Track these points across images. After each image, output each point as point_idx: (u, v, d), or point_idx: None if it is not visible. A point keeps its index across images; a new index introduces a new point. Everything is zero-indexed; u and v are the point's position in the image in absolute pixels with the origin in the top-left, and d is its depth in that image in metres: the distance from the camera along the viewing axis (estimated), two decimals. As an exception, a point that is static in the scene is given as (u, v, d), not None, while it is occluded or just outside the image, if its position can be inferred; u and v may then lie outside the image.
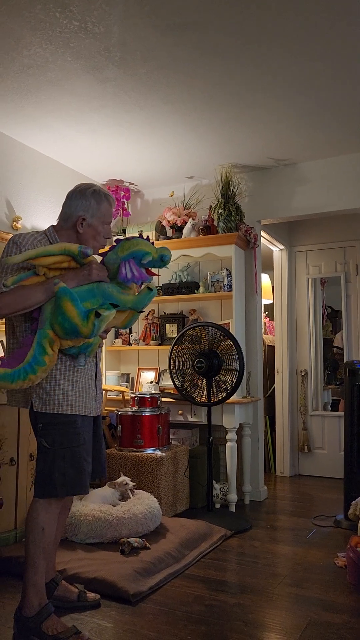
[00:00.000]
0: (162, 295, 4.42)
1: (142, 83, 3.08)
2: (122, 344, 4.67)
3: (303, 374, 5.26)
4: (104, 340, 2.26)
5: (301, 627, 2.14)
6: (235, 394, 3.69)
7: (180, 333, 3.81)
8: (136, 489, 3.34)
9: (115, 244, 2.04)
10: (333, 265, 5.26)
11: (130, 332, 4.70)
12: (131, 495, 3.23)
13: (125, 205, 4.70)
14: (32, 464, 3.06)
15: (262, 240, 4.82)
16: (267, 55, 2.81)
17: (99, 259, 2.14)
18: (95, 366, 2.19)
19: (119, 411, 3.82)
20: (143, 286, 2.08)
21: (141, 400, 3.80)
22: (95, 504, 3.05)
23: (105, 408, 4.27)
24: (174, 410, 4.07)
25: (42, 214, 4.00)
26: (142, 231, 4.47)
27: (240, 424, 3.97)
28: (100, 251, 2.19)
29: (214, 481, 3.77)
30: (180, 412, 4.07)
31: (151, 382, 4.29)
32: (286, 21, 2.54)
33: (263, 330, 5.10)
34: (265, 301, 5.41)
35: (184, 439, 4.13)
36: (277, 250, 5.37)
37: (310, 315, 5.31)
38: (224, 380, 3.63)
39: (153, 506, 3.13)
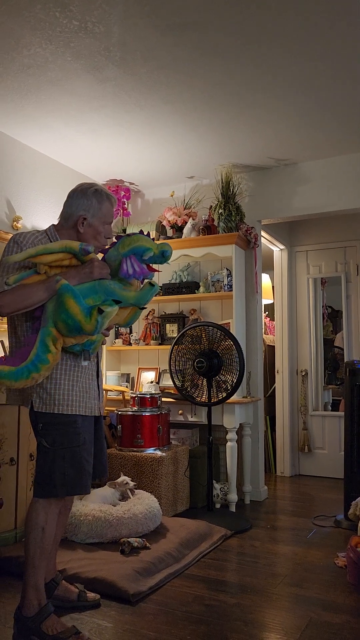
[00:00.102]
0: (162, 295, 4.42)
1: (142, 83, 3.08)
2: (123, 343, 4.67)
3: (303, 373, 5.26)
4: (105, 339, 2.26)
5: (301, 627, 2.13)
6: (235, 394, 3.69)
7: (181, 333, 3.81)
8: (136, 488, 3.34)
9: (115, 240, 2.04)
10: (333, 265, 5.26)
11: (131, 332, 4.70)
12: (131, 495, 3.23)
13: (126, 205, 4.70)
14: (32, 464, 3.06)
15: (263, 240, 4.82)
16: (267, 55, 2.81)
17: (99, 258, 2.13)
18: (96, 366, 2.19)
19: (119, 411, 3.82)
20: (145, 282, 2.08)
21: (141, 400, 3.80)
22: (95, 504, 3.05)
23: (106, 408, 4.27)
24: (174, 410, 4.07)
25: (42, 213, 4.00)
26: (142, 229, 4.47)
27: (240, 423, 3.97)
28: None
29: (214, 481, 3.77)
30: (180, 412, 4.07)
31: (151, 382, 4.29)
32: (286, 21, 2.54)
33: (263, 330, 5.10)
34: (266, 301, 5.40)
35: (184, 438, 4.13)
36: (278, 250, 5.37)
37: (310, 315, 5.31)
38: (224, 380, 3.63)
39: (153, 506, 3.13)
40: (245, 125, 3.63)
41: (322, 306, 5.46)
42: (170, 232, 4.46)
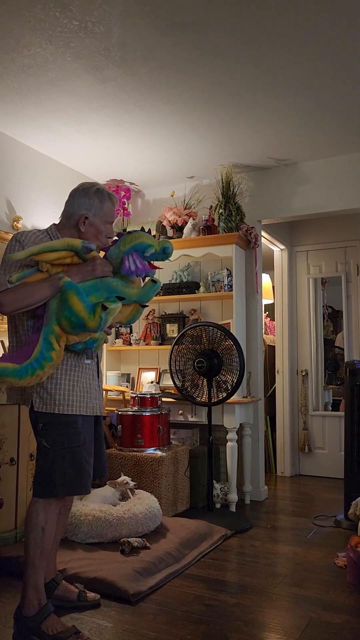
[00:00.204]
0: (162, 295, 4.42)
1: (142, 83, 3.08)
2: (123, 343, 4.67)
3: (304, 373, 5.26)
4: (107, 337, 2.26)
5: (301, 627, 2.13)
6: (235, 394, 3.69)
7: (181, 333, 3.81)
8: (136, 488, 3.34)
9: (117, 238, 2.04)
10: (334, 265, 5.26)
11: (131, 332, 4.70)
12: (131, 495, 3.23)
13: (126, 205, 4.70)
14: (33, 464, 3.06)
15: (263, 240, 4.82)
16: (267, 55, 2.81)
17: (101, 256, 2.14)
18: (97, 366, 2.19)
19: (120, 411, 3.82)
20: (147, 279, 2.08)
21: (142, 400, 3.80)
22: (95, 504, 3.05)
23: (106, 408, 4.27)
24: (174, 410, 4.07)
25: (42, 214, 4.00)
26: (143, 227, 4.47)
27: (240, 423, 3.97)
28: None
29: (214, 481, 3.77)
30: (180, 412, 4.07)
31: (152, 382, 4.29)
32: (286, 21, 2.54)
33: (264, 330, 5.10)
34: (266, 301, 5.40)
35: (185, 438, 4.13)
36: (278, 250, 5.37)
37: (310, 315, 5.31)
38: (225, 380, 3.63)
39: (153, 506, 3.13)
40: (245, 125, 3.63)
41: (323, 306, 5.46)
42: (170, 232, 4.46)
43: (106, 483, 3.27)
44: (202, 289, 4.29)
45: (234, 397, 3.77)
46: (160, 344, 4.47)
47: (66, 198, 2.16)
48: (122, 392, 4.26)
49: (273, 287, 5.58)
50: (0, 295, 1.90)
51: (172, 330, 4.44)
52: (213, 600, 2.39)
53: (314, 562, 2.86)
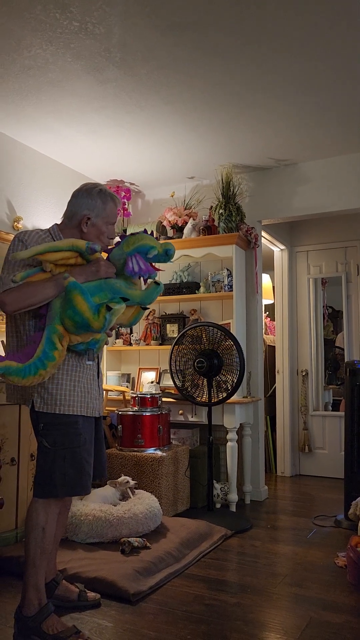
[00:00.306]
0: (162, 296, 4.42)
1: (143, 83, 3.09)
2: (123, 344, 4.67)
3: (304, 374, 5.26)
4: (108, 339, 2.27)
5: (301, 627, 2.14)
6: (235, 394, 3.69)
7: (181, 333, 3.81)
8: (137, 488, 3.35)
9: (119, 239, 2.05)
10: (334, 265, 5.26)
11: (131, 332, 4.71)
12: (132, 495, 3.24)
13: (126, 206, 4.70)
14: (33, 464, 3.07)
15: (263, 240, 4.82)
16: (267, 55, 2.81)
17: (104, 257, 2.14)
18: (97, 366, 2.19)
19: (120, 411, 3.82)
20: (150, 281, 2.09)
21: (142, 400, 3.80)
22: (95, 504, 3.05)
23: (106, 408, 4.27)
24: (174, 410, 4.07)
25: (43, 214, 4.00)
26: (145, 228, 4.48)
27: (240, 423, 3.97)
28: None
29: (214, 481, 3.77)
30: (180, 412, 4.07)
31: (152, 382, 4.30)
32: (286, 21, 2.54)
33: (264, 330, 5.10)
34: (266, 301, 5.41)
35: (185, 438, 4.14)
36: (278, 251, 5.37)
37: (311, 316, 5.31)
38: (225, 380, 3.63)
39: (153, 506, 3.13)
40: (245, 125, 3.63)
41: (323, 306, 5.46)
42: (170, 233, 4.46)
43: (106, 483, 3.28)
44: (202, 289, 4.30)
45: (234, 397, 3.78)
46: (160, 344, 4.47)
47: (67, 198, 2.17)
48: (123, 392, 4.26)
49: (273, 287, 5.59)
50: (4, 294, 1.90)
51: (172, 330, 4.45)
52: (213, 600, 2.39)
53: (314, 562, 2.86)
